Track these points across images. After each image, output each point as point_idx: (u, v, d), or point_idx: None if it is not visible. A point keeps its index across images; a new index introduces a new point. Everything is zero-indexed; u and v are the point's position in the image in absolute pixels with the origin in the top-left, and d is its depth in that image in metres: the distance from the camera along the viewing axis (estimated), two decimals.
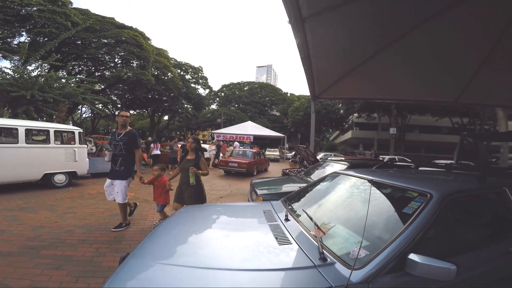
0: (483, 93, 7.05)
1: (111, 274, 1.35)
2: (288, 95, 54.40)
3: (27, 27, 16.65)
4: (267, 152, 22.38)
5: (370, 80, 8.31)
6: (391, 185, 2.00)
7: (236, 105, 51.08)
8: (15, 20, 15.80)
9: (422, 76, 7.34)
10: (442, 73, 6.51)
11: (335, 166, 6.20)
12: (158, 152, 11.59)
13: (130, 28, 22.25)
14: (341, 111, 35.73)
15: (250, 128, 28.52)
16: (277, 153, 25.80)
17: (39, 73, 9.95)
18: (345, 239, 1.59)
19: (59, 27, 15.87)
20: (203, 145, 15.68)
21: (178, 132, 52.73)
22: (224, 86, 53.91)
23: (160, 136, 39.70)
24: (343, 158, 8.95)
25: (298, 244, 1.61)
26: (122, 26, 21.67)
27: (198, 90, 37.82)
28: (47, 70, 10.66)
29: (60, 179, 6.50)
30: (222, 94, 52.91)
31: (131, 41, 20.55)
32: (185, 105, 32.63)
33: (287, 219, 2.11)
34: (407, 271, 1.25)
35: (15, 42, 17.21)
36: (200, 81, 38.01)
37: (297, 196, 2.87)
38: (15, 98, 8.78)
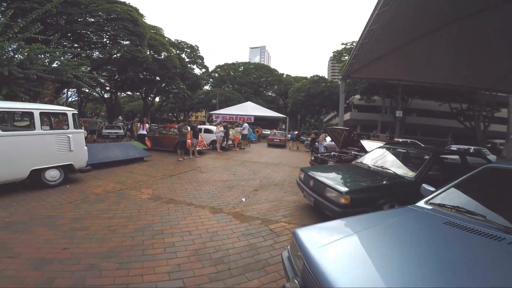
0: None
1: None
2: (284, 76, 53.03)
3: (4, 4, 14.20)
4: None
5: (409, 62, 8.11)
6: None
7: (231, 86, 49.38)
8: None
9: (463, 63, 7.01)
10: (485, 61, 6.68)
11: (409, 153, 5.06)
12: (145, 132, 11.57)
13: (123, 3, 19.88)
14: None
15: (251, 109, 27.32)
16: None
17: (16, 46, 7.98)
18: None
19: (42, 1, 13.38)
20: (209, 127, 14.57)
21: (170, 114, 50.56)
22: (218, 66, 52.35)
23: (153, 119, 37.74)
24: (382, 143, 7.87)
25: None
26: (113, 1, 19.11)
27: (194, 70, 35.93)
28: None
29: (53, 175, 5.01)
30: (216, 75, 51.19)
31: (125, 16, 18.21)
32: (182, 86, 30.57)
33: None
34: None
35: None
36: (198, 60, 36.08)
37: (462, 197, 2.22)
38: None
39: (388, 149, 5.23)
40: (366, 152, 6.69)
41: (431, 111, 33.53)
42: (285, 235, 3.33)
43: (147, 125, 12.05)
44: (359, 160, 5.15)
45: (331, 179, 3.81)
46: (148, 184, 5.52)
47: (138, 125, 11.85)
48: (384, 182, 3.71)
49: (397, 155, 5.04)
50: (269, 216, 3.98)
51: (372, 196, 3.40)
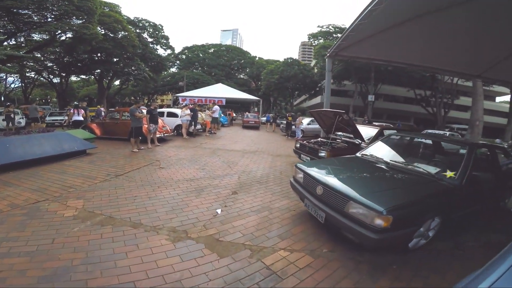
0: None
1: None
2: (257, 59, 51.06)
3: None
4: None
5: (400, 44, 7.45)
6: None
7: (200, 68, 46.19)
8: None
9: (454, 48, 7.05)
10: (477, 48, 6.75)
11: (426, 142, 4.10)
12: (81, 118, 9.89)
13: None
14: (314, 77, 33.98)
15: (222, 91, 25.47)
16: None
17: None
18: None
19: None
20: (172, 110, 12.74)
21: (132, 98, 46.13)
22: (185, 48, 48.23)
23: (112, 103, 33.80)
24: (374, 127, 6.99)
25: None
26: None
27: (157, 50, 32.66)
28: None
29: None
30: (183, 56, 47.39)
31: None
32: (143, 67, 27.39)
33: None
34: None
35: None
36: (162, 41, 32.71)
37: None
38: None
39: (400, 138, 4.23)
40: (362, 139, 5.72)
41: (397, 97, 35.38)
42: (292, 275, 2.12)
43: (83, 110, 10.22)
44: (367, 152, 4.03)
45: (353, 186, 2.60)
46: (81, 191, 3.87)
47: (72, 110, 10.05)
48: (426, 189, 2.61)
49: (415, 146, 4.08)
50: (260, 240, 2.71)
51: (417, 212, 2.29)
